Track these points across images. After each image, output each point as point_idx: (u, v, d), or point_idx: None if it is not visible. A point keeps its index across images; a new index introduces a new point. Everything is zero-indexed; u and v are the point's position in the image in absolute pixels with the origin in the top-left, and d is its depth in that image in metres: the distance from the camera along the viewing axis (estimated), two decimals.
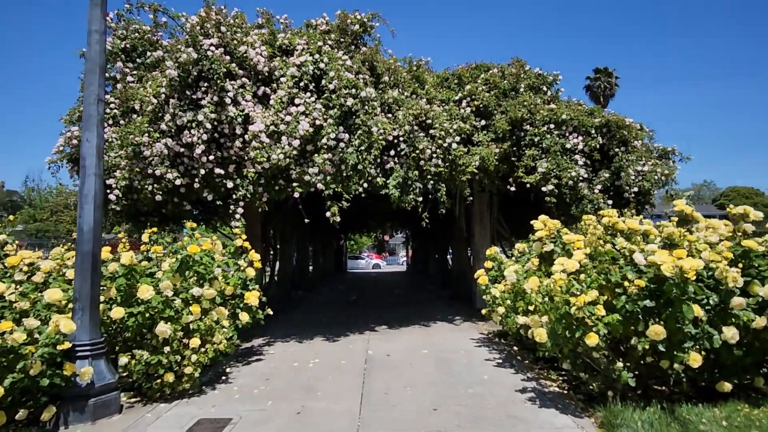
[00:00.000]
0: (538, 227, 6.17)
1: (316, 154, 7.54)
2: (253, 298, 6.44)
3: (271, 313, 7.10)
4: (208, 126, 7.11)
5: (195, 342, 5.33)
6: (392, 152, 8.32)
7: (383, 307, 12.55)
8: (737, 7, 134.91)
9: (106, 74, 7.19)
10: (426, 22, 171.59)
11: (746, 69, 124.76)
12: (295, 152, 7.36)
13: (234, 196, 7.48)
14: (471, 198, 9.03)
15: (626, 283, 4.36)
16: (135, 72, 8.39)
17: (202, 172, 7.29)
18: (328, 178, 7.53)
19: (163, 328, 5.09)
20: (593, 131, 9.30)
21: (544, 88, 10.06)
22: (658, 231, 5.14)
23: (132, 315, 5.16)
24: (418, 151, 8.39)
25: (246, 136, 7.24)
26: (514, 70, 9.87)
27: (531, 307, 5.81)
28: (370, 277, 27.87)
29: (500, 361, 6.58)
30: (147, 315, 5.18)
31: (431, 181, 8.54)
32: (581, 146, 9.14)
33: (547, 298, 4.99)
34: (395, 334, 8.63)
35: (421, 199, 8.43)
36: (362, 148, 7.73)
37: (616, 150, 9.29)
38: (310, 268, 21.46)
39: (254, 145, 7.14)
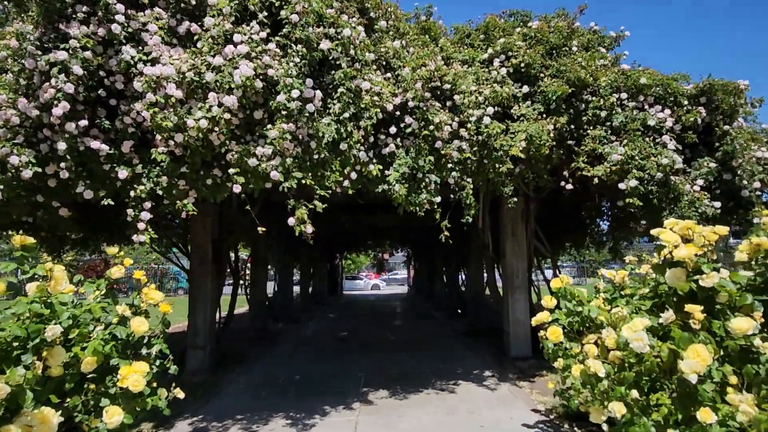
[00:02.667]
0: (668, 240, 3.23)
1: (269, 125, 4.62)
2: (134, 379, 3.41)
3: (181, 396, 4.07)
4: (79, 72, 4.18)
5: None
6: (393, 129, 5.41)
7: (381, 350, 9.47)
8: None
9: None
10: None
11: None
12: (231, 118, 4.43)
13: (134, 194, 4.52)
14: (514, 199, 6.06)
15: None
16: None
17: (62, 147, 4.28)
18: (289, 162, 4.56)
19: None
20: (685, 102, 6.40)
21: (602, 50, 7.20)
22: None
23: None
24: (432, 128, 5.47)
25: (152, 96, 4.31)
26: (563, 23, 7.02)
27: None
28: (367, 301, 24.74)
29: None
30: None
31: (453, 174, 5.60)
32: (670, 123, 6.23)
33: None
34: (399, 410, 5.57)
35: (438, 199, 5.48)
36: (345, 116, 4.81)
37: (724, 128, 6.36)
38: (296, 293, 18.43)
39: (149, 100, 4.20)
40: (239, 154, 4.44)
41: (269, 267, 18.86)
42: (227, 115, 4.27)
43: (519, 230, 8.07)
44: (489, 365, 7.67)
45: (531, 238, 8.26)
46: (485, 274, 11.93)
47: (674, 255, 3.13)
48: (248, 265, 15.08)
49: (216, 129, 4.27)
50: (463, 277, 15.06)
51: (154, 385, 3.89)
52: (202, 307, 7.67)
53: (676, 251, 3.11)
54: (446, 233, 5.50)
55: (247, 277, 13.18)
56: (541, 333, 4.29)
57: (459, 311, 14.90)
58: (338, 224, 15.02)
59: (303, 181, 4.57)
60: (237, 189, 4.50)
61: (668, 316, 3.04)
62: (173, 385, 4.08)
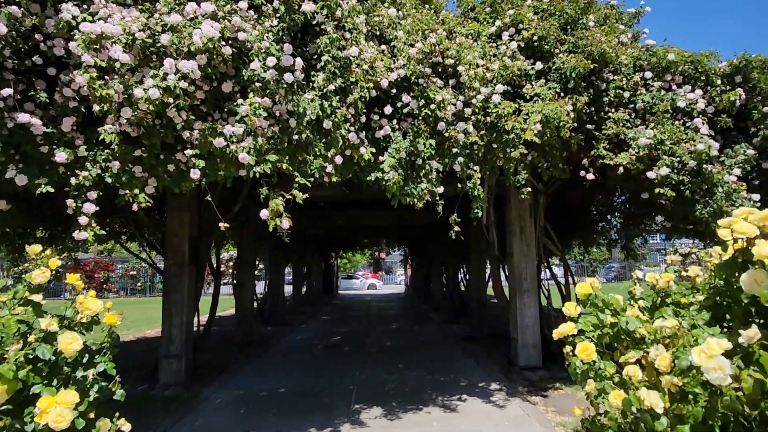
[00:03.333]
0: (744, 232, 2.49)
1: (240, 99, 3.87)
2: (57, 413, 2.65)
3: (126, 429, 3.31)
4: (2, 30, 3.42)
5: None
6: (388, 109, 4.67)
7: (376, 357, 8.73)
8: None
9: None
10: None
11: None
12: (194, 91, 3.68)
13: (75, 181, 3.76)
14: (528, 189, 5.32)
15: None
16: None
17: None
18: (261, 142, 3.81)
19: None
20: (718, 81, 5.68)
21: (621, 26, 6.47)
22: None
23: None
24: (433, 107, 4.73)
25: (89, 58, 3.54)
26: None
27: None
28: (363, 301, 23.97)
29: None
30: None
31: (458, 160, 4.87)
32: (702, 105, 5.51)
33: None
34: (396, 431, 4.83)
35: (441, 190, 4.75)
36: (330, 89, 4.06)
37: (764, 110, 5.63)
38: (290, 294, 17.70)
39: (86, 62, 3.44)
40: (203, 132, 3.68)
41: (261, 266, 18.13)
42: (184, 84, 3.51)
43: (527, 227, 7.34)
44: (495, 376, 6.93)
45: (540, 235, 7.53)
46: (488, 275, 11.22)
47: (754, 253, 2.38)
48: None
49: (172, 102, 3.50)
50: (464, 277, 14.33)
51: (92, 416, 3.14)
52: (177, 311, 6.92)
53: (756, 248, 2.37)
54: (456, 228, 4.75)
55: (231, 278, 12.44)
56: (567, 349, 3.55)
57: (459, 314, 14.17)
58: (331, 221, 14.28)
59: (279, 166, 3.81)
60: (195, 175, 3.74)
61: (752, 334, 2.29)
62: (117, 415, 3.32)
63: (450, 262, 15.47)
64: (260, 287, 14.86)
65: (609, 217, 9.72)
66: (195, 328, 7.50)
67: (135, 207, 3.75)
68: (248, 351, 9.38)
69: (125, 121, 3.69)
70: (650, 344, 3.03)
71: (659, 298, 3.46)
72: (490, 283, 11.76)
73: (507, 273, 7.70)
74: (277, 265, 14.58)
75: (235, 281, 11.61)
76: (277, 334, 12.04)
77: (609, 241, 9.86)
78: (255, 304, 14.38)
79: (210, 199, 4.01)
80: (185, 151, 3.77)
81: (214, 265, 8.29)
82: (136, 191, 3.75)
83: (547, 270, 7.91)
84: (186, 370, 6.88)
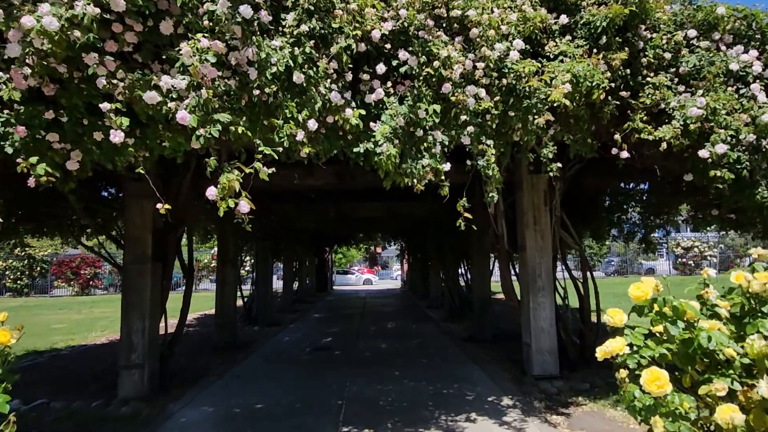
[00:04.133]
0: None
1: (183, 42, 2.91)
2: None
3: None
4: None
5: None
6: (381, 68, 3.72)
7: (370, 365, 7.81)
8: None
9: None
10: None
11: None
12: (122, 32, 2.73)
13: None
14: (558, 164, 4.33)
15: None
16: None
17: None
18: (206, 95, 2.85)
19: None
20: None
21: None
22: None
23: None
24: (437, 65, 3.79)
25: None
26: None
27: None
28: (358, 298, 23.05)
29: None
30: None
31: (468, 131, 3.93)
32: (758, 68, 4.59)
33: None
34: None
35: (447, 167, 3.82)
36: (303, 30, 3.12)
37: None
38: (279, 291, 16.77)
39: None
40: (131, 83, 2.72)
41: (251, 261, 17.18)
42: (95, 10, 2.54)
43: (542, 217, 6.43)
44: (506, 388, 6.04)
45: (556, 226, 6.62)
46: (493, 270, 10.33)
47: None
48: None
49: (79, 37, 2.55)
50: (464, 273, 13.43)
51: None
52: (138, 315, 5.99)
53: None
54: (467, 215, 3.82)
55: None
56: (621, 374, 2.64)
57: (459, 312, 13.29)
58: (323, 214, 13.37)
59: (234, 130, 2.86)
60: (117, 138, 2.78)
61: None
62: None
63: (449, 256, 14.55)
64: (251, 285, 13.92)
65: (626, 206, 8.83)
66: (164, 332, 6.57)
67: (31, 182, 2.80)
68: (229, 356, 8.46)
69: (29, 71, 2.74)
70: (738, 369, 2.15)
71: (752, 306, 2.55)
72: (493, 280, 10.90)
73: (518, 269, 6.79)
74: (266, 260, 13.63)
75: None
76: (264, 335, 11.12)
77: (627, 233, 8.95)
78: (242, 302, 13.48)
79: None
80: (105, 105, 2.80)
81: (210, 262, 7.32)
82: (33, 160, 2.80)
83: (562, 266, 7.00)
84: (149, 381, 5.96)
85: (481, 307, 10.01)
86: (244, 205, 2.81)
